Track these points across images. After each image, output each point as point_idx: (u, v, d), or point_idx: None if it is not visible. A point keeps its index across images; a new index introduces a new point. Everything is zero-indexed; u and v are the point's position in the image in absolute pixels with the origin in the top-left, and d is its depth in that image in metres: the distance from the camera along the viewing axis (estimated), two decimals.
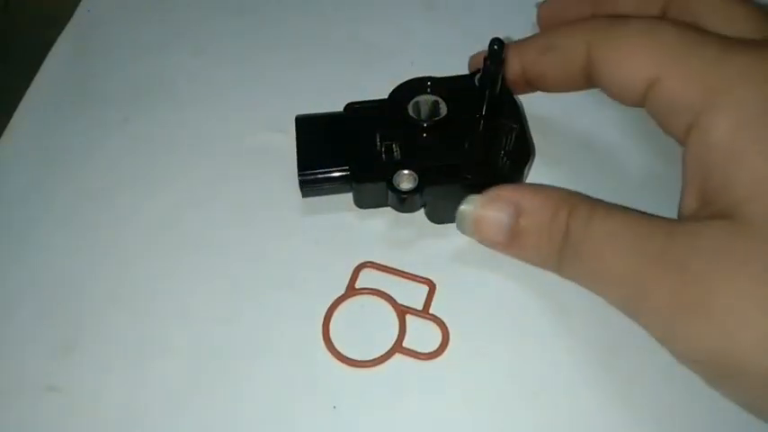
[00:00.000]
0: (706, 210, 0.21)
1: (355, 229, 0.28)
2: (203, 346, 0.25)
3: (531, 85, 0.28)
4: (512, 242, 0.24)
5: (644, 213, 0.22)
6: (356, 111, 0.28)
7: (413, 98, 0.27)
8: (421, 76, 0.27)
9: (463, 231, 0.25)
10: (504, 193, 0.24)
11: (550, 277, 0.25)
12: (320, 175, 0.27)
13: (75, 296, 0.27)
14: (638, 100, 0.24)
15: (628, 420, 0.23)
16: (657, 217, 0.22)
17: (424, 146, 0.26)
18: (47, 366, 0.25)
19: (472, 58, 0.29)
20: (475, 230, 0.25)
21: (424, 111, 0.27)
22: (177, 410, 0.24)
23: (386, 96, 0.28)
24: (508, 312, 0.26)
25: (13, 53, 0.36)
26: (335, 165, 0.27)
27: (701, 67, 0.22)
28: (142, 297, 0.27)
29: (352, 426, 0.23)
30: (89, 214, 0.29)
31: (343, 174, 0.27)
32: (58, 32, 0.36)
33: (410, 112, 0.27)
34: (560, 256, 0.23)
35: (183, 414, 0.24)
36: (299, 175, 0.27)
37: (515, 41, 0.28)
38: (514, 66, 0.27)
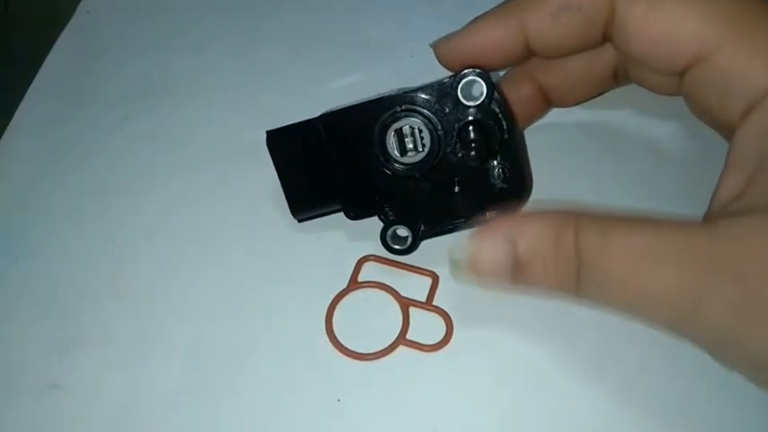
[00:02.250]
0: (752, 198, 0.19)
1: (357, 223, 0.28)
2: (206, 341, 0.25)
3: (531, 78, 0.26)
4: (517, 277, 0.21)
5: (661, 220, 0.20)
6: (334, 129, 0.25)
7: (388, 127, 0.24)
8: (388, 93, 0.25)
9: (460, 279, 0.21)
10: (496, 227, 0.21)
11: None
12: (315, 214, 0.27)
13: (77, 295, 0.27)
14: (677, 71, 0.21)
15: (632, 412, 0.23)
16: (681, 222, 0.19)
17: (413, 197, 0.25)
18: (48, 364, 0.25)
19: (441, 47, 0.24)
20: (474, 275, 0.21)
21: (406, 145, 0.24)
22: (180, 406, 0.24)
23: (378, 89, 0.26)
24: (512, 303, 0.25)
25: (13, 54, 0.36)
26: (328, 202, 0.26)
27: (766, 38, 0.19)
28: (143, 294, 0.26)
29: (357, 418, 0.23)
30: (90, 212, 0.29)
31: (338, 209, 0.26)
32: (58, 33, 0.36)
33: (390, 146, 0.24)
34: (578, 282, 0.20)
35: (187, 409, 0.24)
36: (292, 214, 0.26)
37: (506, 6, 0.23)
38: (510, 39, 0.23)
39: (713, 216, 0.20)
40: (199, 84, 0.33)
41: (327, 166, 0.25)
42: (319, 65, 0.33)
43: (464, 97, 0.23)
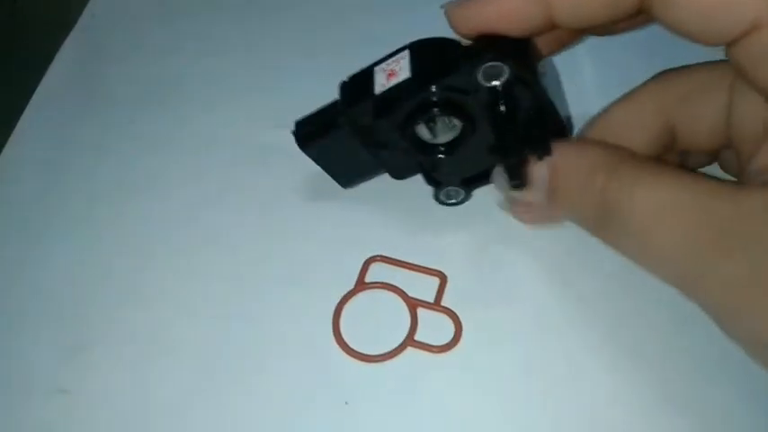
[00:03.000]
0: None
1: (364, 224, 0.27)
2: (213, 344, 0.25)
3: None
4: (550, 201, 0.22)
5: (698, 175, 0.19)
6: (354, 114, 0.25)
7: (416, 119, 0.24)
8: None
9: (504, 196, 0.24)
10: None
11: (565, 267, 0.24)
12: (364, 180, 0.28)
13: (85, 299, 0.27)
14: (728, 42, 0.19)
15: (645, 414, 0.23)
16: (715, 180, 0.19)
17: (454, 161, 0.25)
18: (57, 369, 0.25)
19: (455, 13, 0.23)
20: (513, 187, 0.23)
21: (439, 131, 0.24)
22: (187, 410, 0.24)
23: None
24: (521, 304, 0.25)
25: (19, 58, 0.37)
26: (373, 172, 0.27)
27: None
28: (151, 298, 0.26)
29: (365, 421, 0.23)
30: (98, 216, 0.29)
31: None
32: (64, 37, 0.36)
33: (421, 132, 0.24)
34: (600, 224, 0.21)
35: (195, 413, 0.24)
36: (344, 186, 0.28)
37: None
38: (533, 12, 0.21)
39: (748, 181, 0.19)
40: (206, 86, 0.33)
41: (357, 143, 0.25)
42: (328, 64, 0.33)
43: (485, 79, 0.22)
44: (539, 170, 0.22)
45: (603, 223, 0.21)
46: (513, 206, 0.25)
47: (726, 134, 0.23)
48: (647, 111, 0.23)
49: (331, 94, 0.31)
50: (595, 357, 0.24)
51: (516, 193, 0.23)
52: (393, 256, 0.26)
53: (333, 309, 0.25)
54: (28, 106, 0.33)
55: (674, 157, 0.26)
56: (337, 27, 0.35)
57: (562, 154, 0.22)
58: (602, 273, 0.25)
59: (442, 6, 0.23)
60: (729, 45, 0.20)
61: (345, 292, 0.26)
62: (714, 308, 0.19)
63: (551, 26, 0.22)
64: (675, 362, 0.23)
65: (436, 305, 0.25)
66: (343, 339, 0.24)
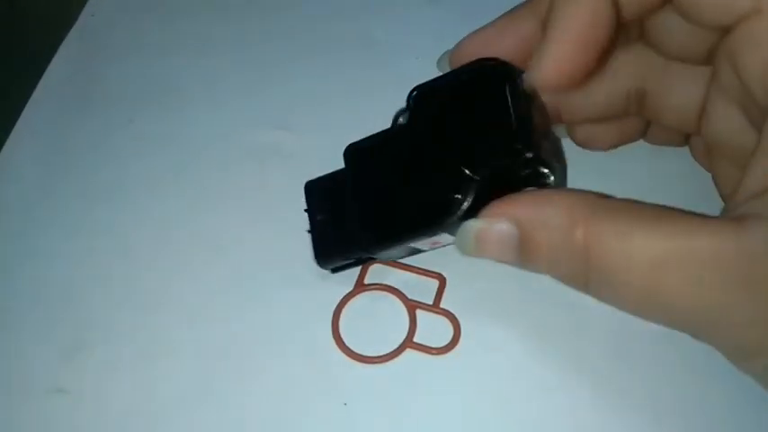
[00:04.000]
0: None
1: None
2: (211, 345, 0.25)
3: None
4: (524, 262, 0.20)
5: (688, 216, 0.18)
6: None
7: None
8: None
9: (467, 252, 0.21)
10: (506, 205, 0.20)
11: None
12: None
13: (83, 298, 0.27)
14: (728, 24, 0.19)
15: (643, 417, 0.23)
16: (706, 221, 0.18)
17: None
18: (54, 369, 0.25)
19: (456, 55, 0.23)
20: (480, 253, 0.21)
21: None
22: (186, 411, 0.24)
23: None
24: (520, 306, 0.25)
25: (17, 57, 0.36)
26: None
27: None
28: (149, 298, 0.26)
29: (364, 422, 0.23)
30: (95, 215, 0.29)
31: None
32: (63, 36, 0.36)
33: None
34: (587, 282, 0.19)
35: (193, 414, 0.24)
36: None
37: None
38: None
39: (739, 210, 0.18)
40: (205, 86, 0.33)
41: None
42: (325, 66, 0.33)
43: None
44: (500, 226, 0.20)
45: (591, 279, 0.19)
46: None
47: (696, 123, 0.23)
48: (624, 65, 0.23)
49: (330, 93, 0.31)
50: (593, 360, 0.24)
51: (476, 251, 0.21)
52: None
53: (332, 310, 0.25)
54: (27, 105, 0.33)
55: (636, 123, 0.26)
56: (336, 27, 0.35)
57: (530, 206, 0.19)
58: None
59: (443, 56, 0.24)
60: (727, 30, 0.19)
61: (344, 294, 0.26)
62: (731, 348, 0.18)
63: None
64: (681, 368, 0.23)
65: (435, 307, 0.25)
66: (342, 341, 0.25)
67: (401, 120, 0.23)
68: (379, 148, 0.23)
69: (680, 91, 0.23)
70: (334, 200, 0.24)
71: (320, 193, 0.25)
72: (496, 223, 0.20)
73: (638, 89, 0.24)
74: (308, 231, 0.25)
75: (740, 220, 0.17)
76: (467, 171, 0.21)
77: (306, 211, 0.25)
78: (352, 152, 0.24)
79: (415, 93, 0.22)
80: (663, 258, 0.17)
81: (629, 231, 0.18)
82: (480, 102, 0.21)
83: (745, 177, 0.18)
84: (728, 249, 0.17)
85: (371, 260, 0.26)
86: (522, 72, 0.21)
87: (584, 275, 0.19)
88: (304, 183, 0.26)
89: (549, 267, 0.20)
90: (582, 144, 0.27)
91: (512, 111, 0.20)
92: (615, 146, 0.27)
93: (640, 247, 0.18)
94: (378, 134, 0.24)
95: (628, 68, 0.24)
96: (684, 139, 0.26)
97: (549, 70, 0.20)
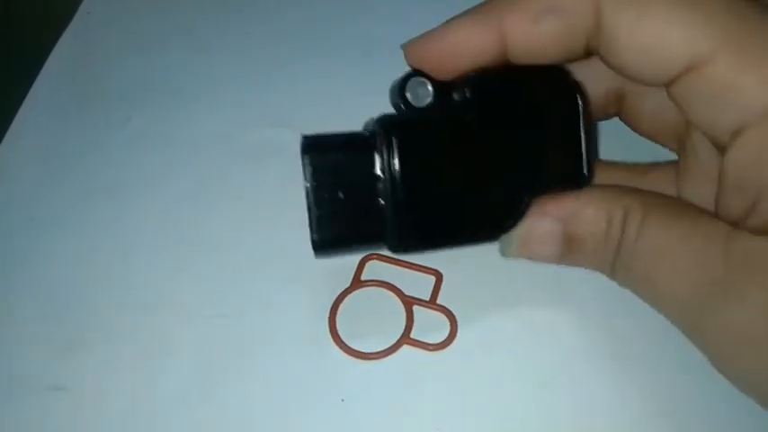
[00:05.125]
0: (760, 219, 0.18)
1: None
2: (209, 342, 0.25)
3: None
4: (566, 257, 0.22)
5: (700, 215, 0.20)
6: None
7: None
8: None
9: (510, 254, 0.22)
10: (547, 206, 0.21)
11: (559, 267, 0.24)
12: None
13: (80, 296, 0.27)
14: (666, 82, 0.19)
15: (637, 412, 0.23)
16: (713, 219, 0.19)
17: None
18: (52, 366, 0.25)
19: (411, 49, 0.22)
20: (524, 254, 0.22)
21: None
22: (184, 408, 0.24)
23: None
24: (517, 302, 0.25)
25: (14, 55, 0.36)
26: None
27: (763, 51, 0.18)
28: (147, 295, 0.26)
29: (361, 418, 0.23)
30: (93, 213, 0.29)
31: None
32: (59, 35, 0.36)
33: None
34: (613, 266, 0.21)
35: (191, 410, 0.24)
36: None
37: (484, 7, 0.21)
38: (487, 41, 0.21)
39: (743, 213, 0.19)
40: (201, 83, 0.33)
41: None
42: (324, 65, 0.33)
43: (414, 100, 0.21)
44: (545, 225, 0.21)
45: (617, 265, 0.21)
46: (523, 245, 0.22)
47: (673, 132, 0.23)
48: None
49: (329, 94, 0.31)
50: (589, 356, 0.24)
51: (519, 252, 0.22)
52: (389, 255, 0.26)
53: (329, 307, 0.25)
54: (23, 104, 0.33)
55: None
56: (335, 26, 0.35)
57: (572, 205, 0.21)
58: (597, 273, 0.25)
59: (401, 46, 0.23)
60: (668, 86, 0.20)
61: (342, 291, 0.26)
62: (712, 353, 0.19)
63: (504, 59, 0.21)
64: (677, 364, 0.23)
65: (432, 303, 0.25)
66: (339, 337, 0.25)
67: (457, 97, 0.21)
68: (432, 134, 0.21)
69: (655, 95, 0.23)
70: (355, 177, 0.20)
71: (332, 164, 0.21)
72: (541, 223, 0.21)
73: (618, 89, 0.24)
74: (308, 209, 0.20)
75: (735, 232, 0.18)
76: (526, 198, 0.21)
77: (307, 184, 0.20)
78: (394, 127, 0.20)
79: (474, 80, 0.21)
80: (661, 249, 0.19)
81: (645, 221, 0.20)
82: (552, 116, 0.21)
83: (718, 207, 0.20)
84: (717, 257, 0.18)
85: (374, 254, 0.26)
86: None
87: (612, 262, 0.21)
88: (298, 170, 0.21)
89: (591, 259, 0.22)
90: None
91: (583, 139, 0.21)
92: None
93: (648, 236, 0.19)
94: (422, 115, 0.21)
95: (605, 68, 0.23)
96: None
97: None
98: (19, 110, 0.33)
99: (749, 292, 0.18)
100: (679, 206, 0.21)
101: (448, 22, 0.22)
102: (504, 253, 0.22)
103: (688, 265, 0.19)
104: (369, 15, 0.35)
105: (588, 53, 0.21)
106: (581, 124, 0.21)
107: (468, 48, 0.21)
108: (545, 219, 0.21)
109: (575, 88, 0.21)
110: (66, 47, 0.35)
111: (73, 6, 0.37)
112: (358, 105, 0.30)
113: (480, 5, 0.22)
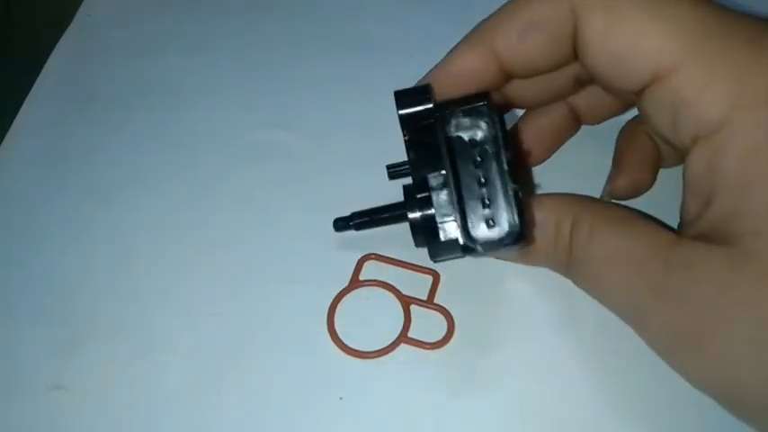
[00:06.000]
0: (707, 223, 0.19)
1: None
2: (208, 340, 0.25)
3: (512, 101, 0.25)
4: (523, 256, 0.24)
5: (647, 223, 0.21)
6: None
7: None
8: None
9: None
10: None
11: None
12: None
13: (80, 295, 0.27)
14: (635, 90, 0.20)
15: (637, 410, 0.23)
16: (659, 228, 0.21)
17: None
18: (53, 365, 0.25)
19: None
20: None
21: None
22: (184, 405, 0.24)
23: None
24: (513, 301, 0.26)
25: (14, 57, 0.36)
26: None
27: (725, 63, 0.18)
28: (146, 294, 0.27)
29: (359, 416, 0.23)
30: (92, 213, 0.29)
31: None
32: (59, 36, 0.36)
33: None
34: (567, 269, 0.23)
35: (190, 408, 0.24)
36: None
37: (478, 30, 0.22)
38: (484, 64, 0.22)
39: (683, 229, 0.21)
40: (199, 85, 0.33)
41: None
42: (321, 66, 0.33)
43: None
44: None
45: (570, 268, 0.22)
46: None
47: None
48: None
49: (328, 95, 0.31)
50: (584, 355, 0.24)
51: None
52: (387, 255, 0.27)
53: (327, 306, 0.26)
54: (23, 105, 0.33)
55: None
56: (333, 27, 0.35)
57: (527, 208, 0.22)
58: None
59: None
60: (637, 95, 0.20)
61: (340, 290, 0.26)
62: (658, 352, 0.20)
63: (507, 76, 0.23)
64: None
65: (429, 303, 0.25)
66: (337, 336, 0.25)
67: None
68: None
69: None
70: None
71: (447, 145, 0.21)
72: None
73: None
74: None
75: (677, 239, 0.20)
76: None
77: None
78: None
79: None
80: (609, 254, 0.21)
81: (597, 227, 0.21)
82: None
83: (681, 208, 0.21)
84: (657, 263, 0.19)
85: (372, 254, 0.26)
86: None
87: (566, 262, 0.22)
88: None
89: (544, 259, 0.23)
90: (512, 102, 0.26)
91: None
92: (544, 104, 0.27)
93: (598, 241, 0.21)
94: None
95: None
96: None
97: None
98: (19, 110, 0.33)
99: (686, 294, 0.19)
100: (627, 216, 0.22)
101: (449, 52, 0.23)
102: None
103: (631, 272, 0.20)
104: (368, 18, 0.35)
105: (576, 58, 0.22)
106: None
107: (470, 74, 0.22)
108: None
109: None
110: (66, 48, 0.35)
111: (73, 8, 0.37)
112: (357, 106, 0.31)
113: (471, 32, 0.23)
